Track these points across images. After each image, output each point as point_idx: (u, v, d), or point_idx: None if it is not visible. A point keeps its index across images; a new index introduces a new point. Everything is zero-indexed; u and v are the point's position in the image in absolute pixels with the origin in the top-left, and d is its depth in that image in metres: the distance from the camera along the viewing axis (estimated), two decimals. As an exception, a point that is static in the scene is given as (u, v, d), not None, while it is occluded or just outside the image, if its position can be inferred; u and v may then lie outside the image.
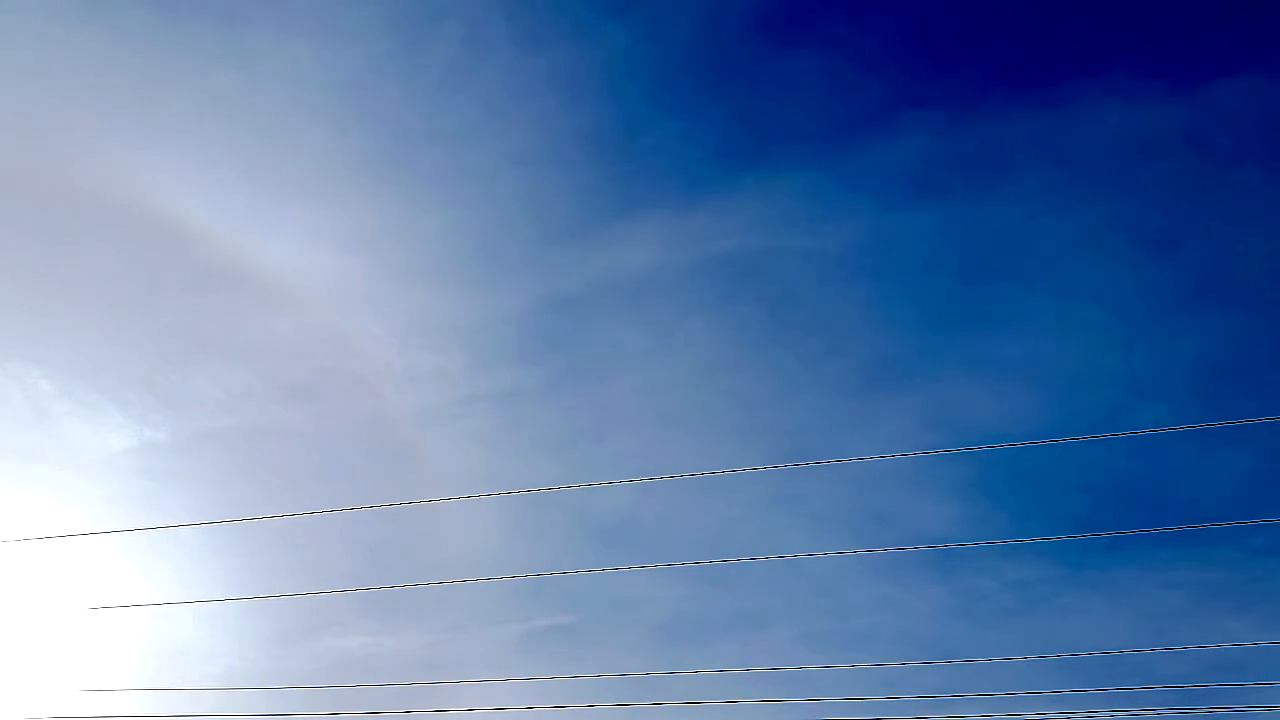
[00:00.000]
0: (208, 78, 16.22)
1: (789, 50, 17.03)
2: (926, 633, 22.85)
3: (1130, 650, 13.53)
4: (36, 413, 21.23)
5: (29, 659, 18.58)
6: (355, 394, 22.69)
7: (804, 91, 17.34)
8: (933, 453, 14.72)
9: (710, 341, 20.38)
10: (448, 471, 23.73)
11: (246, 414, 22.59)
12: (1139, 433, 12.28)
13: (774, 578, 23.24)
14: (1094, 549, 21.88)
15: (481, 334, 20.69)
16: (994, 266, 18.57)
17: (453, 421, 22.99)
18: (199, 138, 17.56)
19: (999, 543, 18.31)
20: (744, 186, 18.17)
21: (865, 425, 22.31)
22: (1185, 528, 13.52)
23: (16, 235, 18.74)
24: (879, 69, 17.07)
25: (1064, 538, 13.60)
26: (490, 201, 18.16)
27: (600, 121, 17.20)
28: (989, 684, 12.69)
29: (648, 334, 20.24)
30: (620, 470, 24.60)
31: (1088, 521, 22.64)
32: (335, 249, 19.25)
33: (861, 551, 14.17)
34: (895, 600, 23.14)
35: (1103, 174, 17.20)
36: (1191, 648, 13.09)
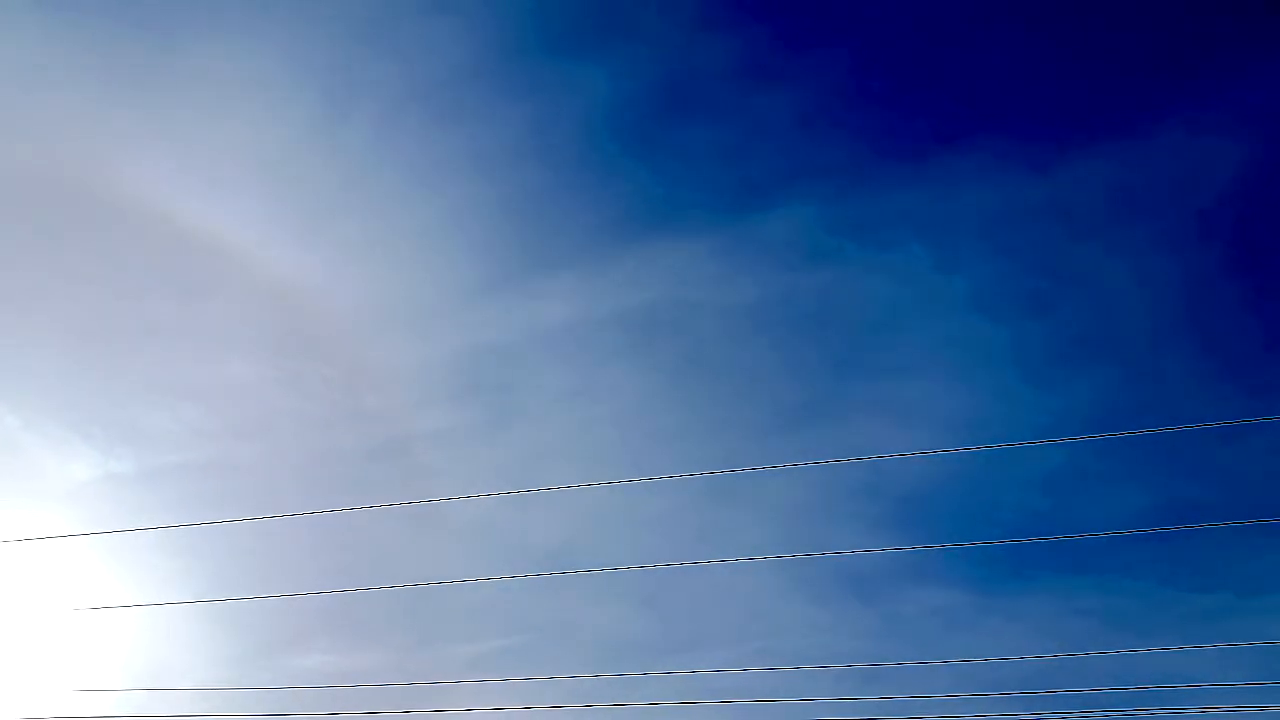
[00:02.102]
0: (148, 149, 17.96)
1: (689, 125, 18.76)
2: (852, 654, 24.26)
3: (1040, 655, 14.84)
4: (4, 445, 22.76)
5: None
6: (305, 432, 24.28)
7: (704, 162, 19.08)
8: (934, 452, 15.68)
9: (629, 387, 21.99)
10: (394, 499, 25.15)
11: (205, 449, 24.11)
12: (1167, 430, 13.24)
13: (709, 605, 24.78)
14: (1007, 578, 23.38)
15: (418, 378, 22.34)
16: (883, 322, 20.20)
17: (395, 458, 24.54)
18: (148, 201, 19.26)
19: (923, 546, 19.70)
20: (653, 247, 19.86)
21: (777, 459, 23.86)
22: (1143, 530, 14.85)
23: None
24: (771, 143, 18.79)
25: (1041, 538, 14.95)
26: (418, 260, 19.86)
27: (514, 190, 18.95)
28: (914, 704, 14.00)
29: (571, 379, 21.86)
30: (551, 504, 26.04)
31: (995, 551, 24.14)
32: (281, 300, 20.91)
33: (774, 556, 15.29)
34: (823, 624, 24.59)
35: (976, 240, 18.86)
36: (1094, 653, 14.50)
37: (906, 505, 23.54)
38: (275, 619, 23.57)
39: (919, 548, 18.86)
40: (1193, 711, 12.66)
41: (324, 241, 19.91)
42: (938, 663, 14.78)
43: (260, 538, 22.51)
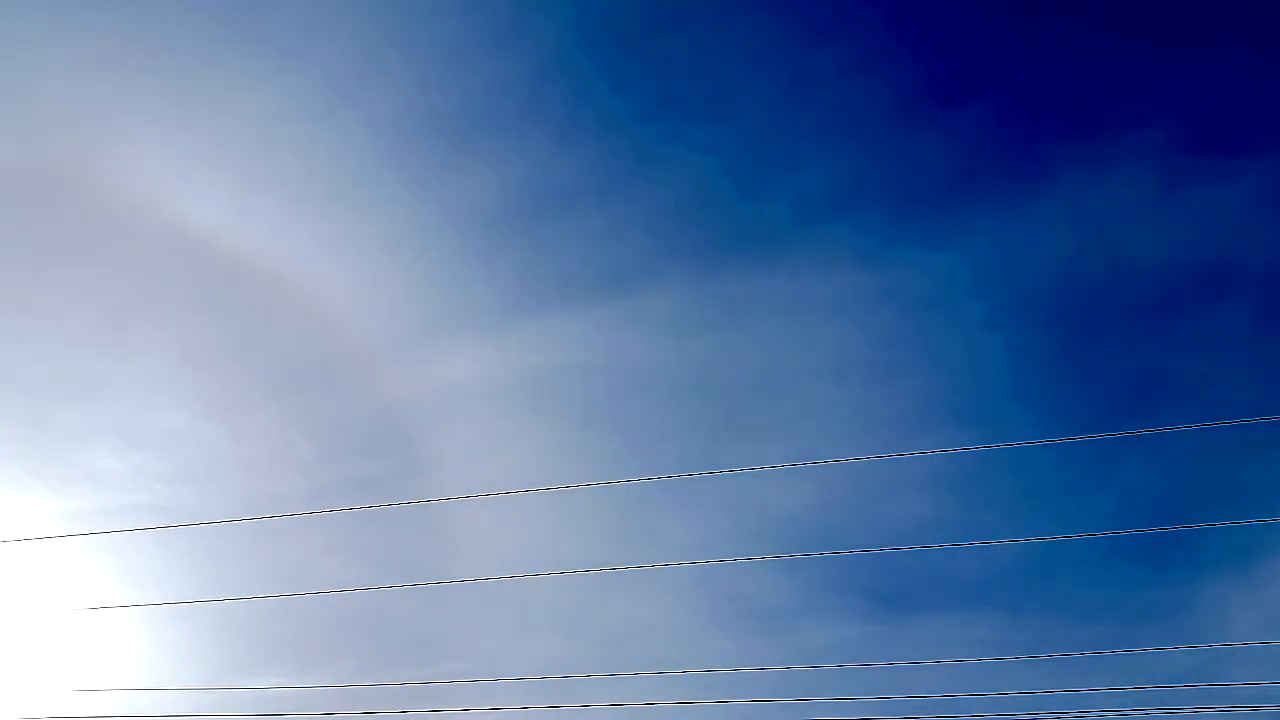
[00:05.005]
0: (112, 192, 20.57)
1: (573, 213, 21.36)
2: (760, 680, 26.37)
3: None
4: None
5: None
6: (244, 477, 26.62)
7: (588, 245, 21.66)
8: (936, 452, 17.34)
9: (531, 442, 24.32)
10: (332, 540, 27.50)
11: (152, 491, 26.37)
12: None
13: (630, 638, 26.97)
14: (898, 613, 25.53)
15: (341, 430, 24.77)
16: (753, 388, 22.59)
17: (329, 500, 26.83)
18: (101, 255, 21.84)
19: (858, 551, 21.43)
20: (546, 318, 22.38)
21: (679, 511, 26.19)
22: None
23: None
24: (647, 230, 21.35)
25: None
26: (336, 324, 22.41)
27: (418, 267, 21.56)
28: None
29: (478, 434, 24.23)
30: (475, 544, 28.26)
31: (882, 590, 26.29)
32: (214, 357, 23.47)
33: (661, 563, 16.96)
34: (733, 655, 26.71)
35: (827, 318, 21.32)
36: (1005, 658, 16.44)
37: (801, 545, 25.68)
38: (234, 643, 25.83)
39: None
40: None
41: (250, 307, 22.49)
42: (864, 664, 16.54)
43: (217, 566, 24.78)
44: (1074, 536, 16.35)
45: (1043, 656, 16.56)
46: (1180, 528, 18.50)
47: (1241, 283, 21.13)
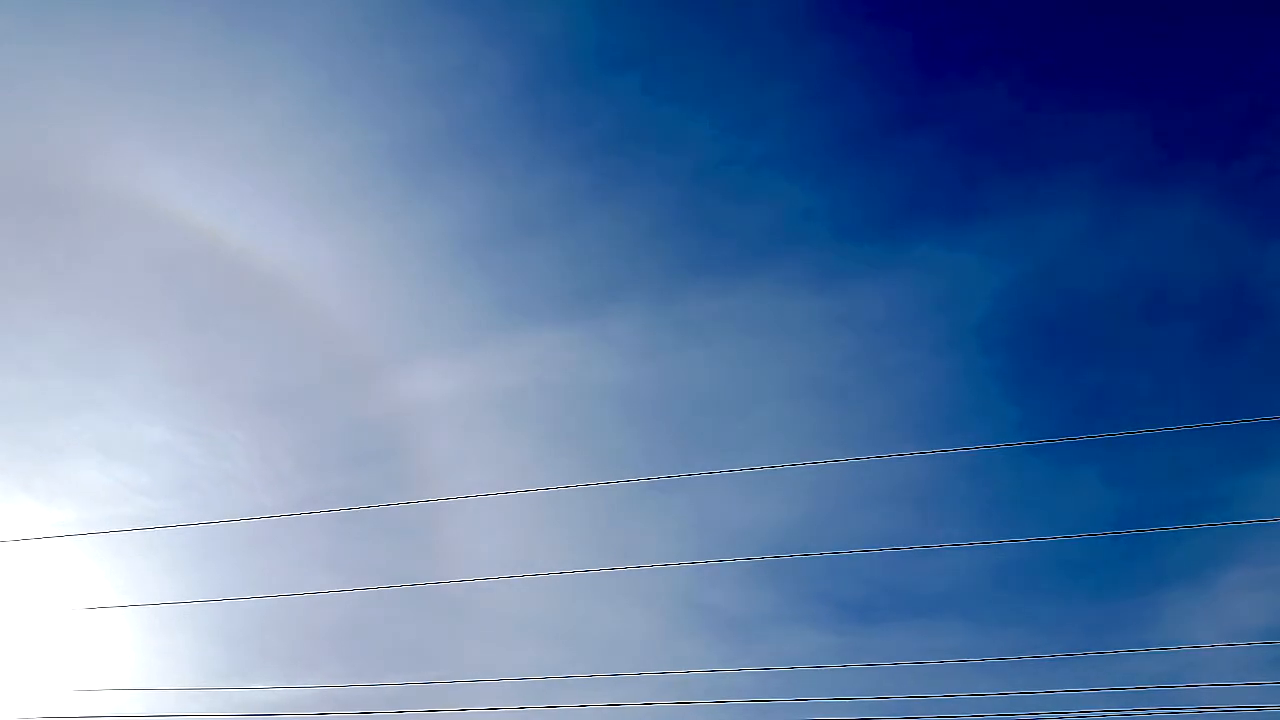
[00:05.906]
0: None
1: (540, 238, 22.34)
2: (730, 687, 27.27)
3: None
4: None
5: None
6: (226, 490, 27.44)
7: (554, 268, 22.64)
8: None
9: (503, 457, 25.20)
10: (313, 551, 28.32)
11: (135, 504, 27.20)
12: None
13: (608, 648, 27.81)
14: (868, 623, 26.41)
15: (318, 446, 25.65)
16: (717, 406, 23.54)
17: (309, 513, 27.65)
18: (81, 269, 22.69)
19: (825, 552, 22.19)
20: (514, 338, 23.34)
21: (647, 527, 27.07)
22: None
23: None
24: (612, 254, 22.32)
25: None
26: (312, 343, 23.37)
27: (392, 288, 22.56)
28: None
29: (451, 449, 25.11)
30: (454, 556, 29.09)
31: (853, 602, 27.13)
32: (190, 373, 24.40)
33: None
34: (704, 663, 27.50)
35: (788, 339, 22.29)
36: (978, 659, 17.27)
37: (763, 565, 26.55)
38: (225, 650, 26.64)
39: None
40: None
41: (230, 325, 23.44)
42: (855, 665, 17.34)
43: (204, 577, 25.58)
44: (1037, 540, 17.16)
45: (1005, 659, 17.27)
46: (1141, 531, 19.31)
47: (1179, 306, 22.22)
